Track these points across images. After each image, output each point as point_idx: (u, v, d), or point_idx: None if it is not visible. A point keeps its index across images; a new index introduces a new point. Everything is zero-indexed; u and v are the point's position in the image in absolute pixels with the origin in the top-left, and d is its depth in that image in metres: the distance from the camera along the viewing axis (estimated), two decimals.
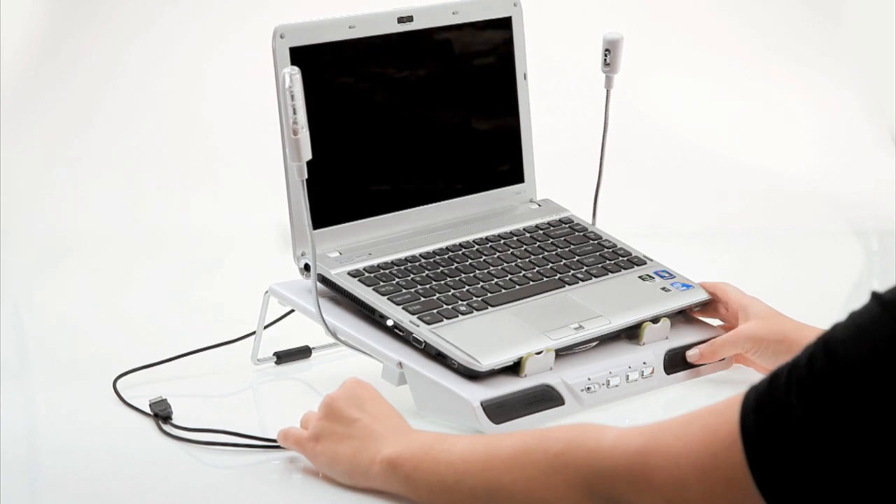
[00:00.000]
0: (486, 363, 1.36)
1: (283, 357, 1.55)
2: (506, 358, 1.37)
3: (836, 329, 0.93)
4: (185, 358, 1.53)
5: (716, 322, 1.52)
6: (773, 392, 0.92)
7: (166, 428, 1.37)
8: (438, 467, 1.14)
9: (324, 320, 1.43)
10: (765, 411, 0.92)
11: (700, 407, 0.98)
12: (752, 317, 1.45)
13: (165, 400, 1.40)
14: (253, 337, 1.53)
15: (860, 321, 0.91)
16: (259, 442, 1.32)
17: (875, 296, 0.92)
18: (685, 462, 0.95)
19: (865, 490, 0.90)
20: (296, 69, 1.34)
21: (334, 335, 1.44)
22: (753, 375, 1.46)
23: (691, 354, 1.46)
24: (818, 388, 0.90)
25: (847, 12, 2.57)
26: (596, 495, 1.01)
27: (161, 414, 1.38)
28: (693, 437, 0.96)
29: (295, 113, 1.33)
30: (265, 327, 1.52)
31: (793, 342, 1.40)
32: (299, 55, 1.45)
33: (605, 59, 1.59)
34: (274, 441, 1.30)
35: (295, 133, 1.33)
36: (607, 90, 1.61)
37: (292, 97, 1.33)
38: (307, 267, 1.46)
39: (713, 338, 1.47)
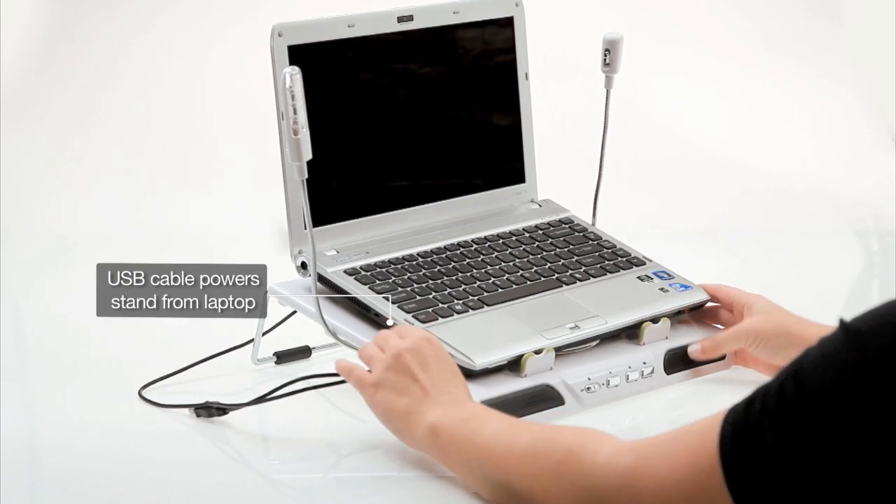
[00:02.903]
0: (480, 362, 1.36)
1: (283, 357, 1.55)
2: (500, 357, 1.37)
3: (807, 356, 0.94)
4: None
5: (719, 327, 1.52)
6: (748, 418, 0.94)
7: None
8: (468, 447, 1.19)
9: (324, 320, 1.43)
10: (741, 439, 0.94)
11: (695, 415, 1.01)
12: (754, 312, 1.45)
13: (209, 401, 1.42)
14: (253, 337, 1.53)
15: (826, 350, 0.93)
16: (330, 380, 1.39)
17: (842, 324, 0.94)
18: (670, 486, 0.98)
19: None
20: (296, 69, 1.34)
21: (334, 335, 1.44)
22: (753, 376, 1.46)
23: (693, 349, 1.46)
24: (787, 417, 0.92)
25: (847, 12, 2.57)
26: None
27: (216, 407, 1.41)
28: (678, 460, 0.98)
29: (295, 113, 1.33)
30: (265, 333, 1.52)
31: (794, 336, 1.40)
32: (298, 54, 1.45)
33: (605, 59, 1.59)
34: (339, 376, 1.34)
35: (295, 133, 1.33)
36: (607, 90, 1.61)
37: (293, 97, 1.33)
38: (304, 265, 1.46)
39: (714, 329, 1.48)
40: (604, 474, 1.04)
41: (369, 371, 1.29)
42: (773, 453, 0.92)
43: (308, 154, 1.35)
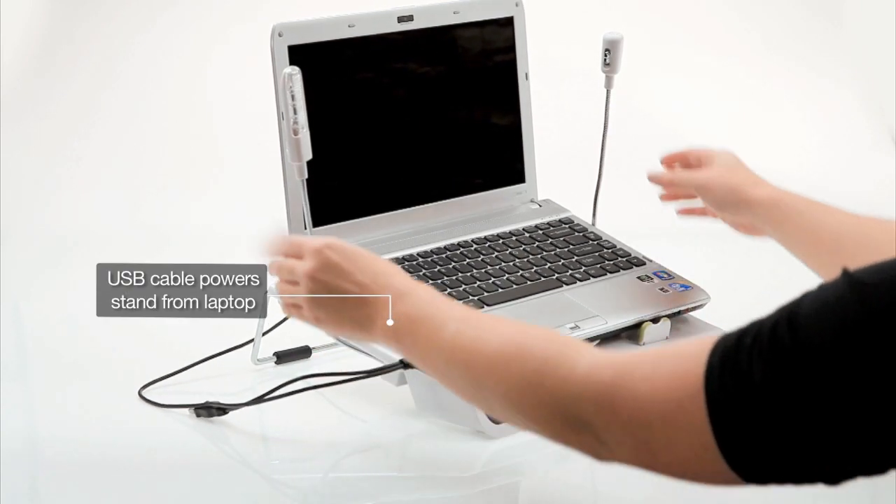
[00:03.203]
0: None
1: (282, 357, 1.56)
2: None
3: (804, 300, 0.93)
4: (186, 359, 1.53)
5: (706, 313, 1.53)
6: (738, 352, 0.93)
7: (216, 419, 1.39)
8: (430, 349, 1.14)
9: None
10: (727, 371, 0.93)
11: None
12: (714, 165, 1.47)
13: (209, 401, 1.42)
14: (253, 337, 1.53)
15: (827, 298, 0.92)
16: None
17: (845, 274, 0.93)
18: (650, 405, 0.97)
19: (816, 458, 0.91)
20: (296, 69, 1.34)
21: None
22: None
23: (652, 175, 1.50)
24: (777, 359, 0.91)
25: (847, 12, 2.57)
26: (565, 415, 1.03)
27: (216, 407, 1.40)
28: (660, 382, 0.97)
29: (295, 113, 1.33)
30: (265, 333, 1.52)
31: (741, 196, 1.43)
32: (298, 54, 1.45)
33: (605, 59, 1.59)
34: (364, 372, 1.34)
35: (295, 133, 1.33)
36: (607, 90, 1.61)
37: (293, 97, 1.33)
38: None
39: (714, 329, 1.48)
40: (583, 387, 1.01)
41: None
42: (759, 391, 0.92)
43: (308, 154, 1.34)
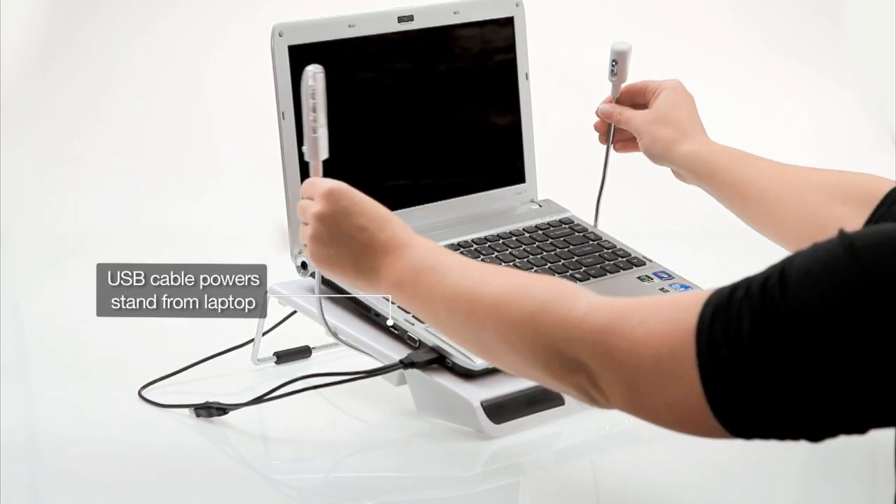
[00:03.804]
0: (479, 362, 1.36)
1: (282, 357, 1.55)
2: None
3: (796, 257, 0.94)
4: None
5: None
6: (729, 303, 0.95)
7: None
8: (433, 298, 1.15)
9: (325, 320, 1.42)
10: (718, 323, 0.95)
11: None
12: (651, 108, 1.52)
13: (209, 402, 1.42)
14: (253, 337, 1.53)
15: (823, 259, 0.93)
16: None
17: (842, 236, 0.93)
18: (642, 349, 0.98)
19: (799, 414, 0.93)
20: (320, 67, 1.32)
21: (335, 335, 1.43)
22: None
23: (601, 109, 1.55)
24: (766, 312, 0.93)
25: (847, 12, 2.57)
26: (562, 356, 1.04)
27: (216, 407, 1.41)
28: (654, 328, 0.98)
29: (315, 111, 1.32)
30: (265, 333, 1.52)
31: (666, 150, 1.48)
32: (298, 54, 1.45)
33: (613, 69, 1.57)
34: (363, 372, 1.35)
35: (314, 131, 1.32)
36: (614, 99, 1.59)
37: (313, 95, 1.32)
38: (304, 265, 1.46)
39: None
40: (579, 328, 1.02)
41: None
42: (746, 343, 0.93)
43: (325, 153, 1.33)
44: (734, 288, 0.96)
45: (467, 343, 1.15)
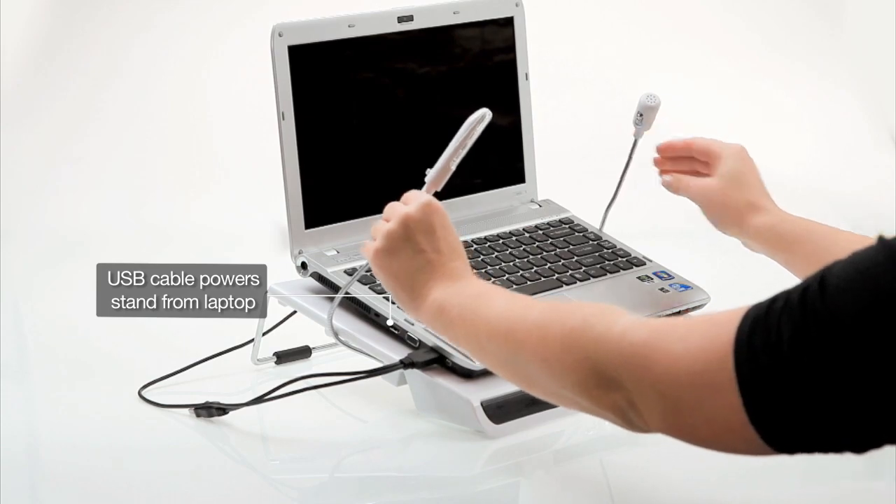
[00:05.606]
0: (480, 362, 1.36)
1: (282, 357, 1.56)
2: None
3: (836, 265, 0.93)
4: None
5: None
6: (768, 315, 0.94)
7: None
8: (477, 322, 1.16)
9: (328, 320, 1.42)
10: (757, 334, 0.94)
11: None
12: (716, 176, 1.46)
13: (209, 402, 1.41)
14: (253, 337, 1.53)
15: (862, 265, 0.92)
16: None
17: (882, 242, 0.92)
18: (682, 365, 0.97)
19: (843, 424, 0.91)
20: (490, 113, 1.33)
21: (336, 335, 1.43)
22: None
23: (663, 180, 1.50)
24: (806, 321, 0.92)
25: (847, 12, 2.57)
26: (599, 374, 1.03)
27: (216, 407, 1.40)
28: (692, 344, 0.97)
29: (463, 149, 1.33)
30: (265, 333, 1.52)
31: (739, 221, 1.44)
32: (298, 54, 1.45)
33: (638, 120, 1.55)
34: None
35: (451, 164, 1.33)
36: (635, 139, 1.56)
37: (471, 136, 1.33)
38: (304, 265, 1.46)
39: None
40: (618, 344, 1.02)
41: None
42: (786, 353, 0.91)
43: (442, 185, 1.33)
44: (773, 300, 0.95)
45: (503, 367, 1.15)
